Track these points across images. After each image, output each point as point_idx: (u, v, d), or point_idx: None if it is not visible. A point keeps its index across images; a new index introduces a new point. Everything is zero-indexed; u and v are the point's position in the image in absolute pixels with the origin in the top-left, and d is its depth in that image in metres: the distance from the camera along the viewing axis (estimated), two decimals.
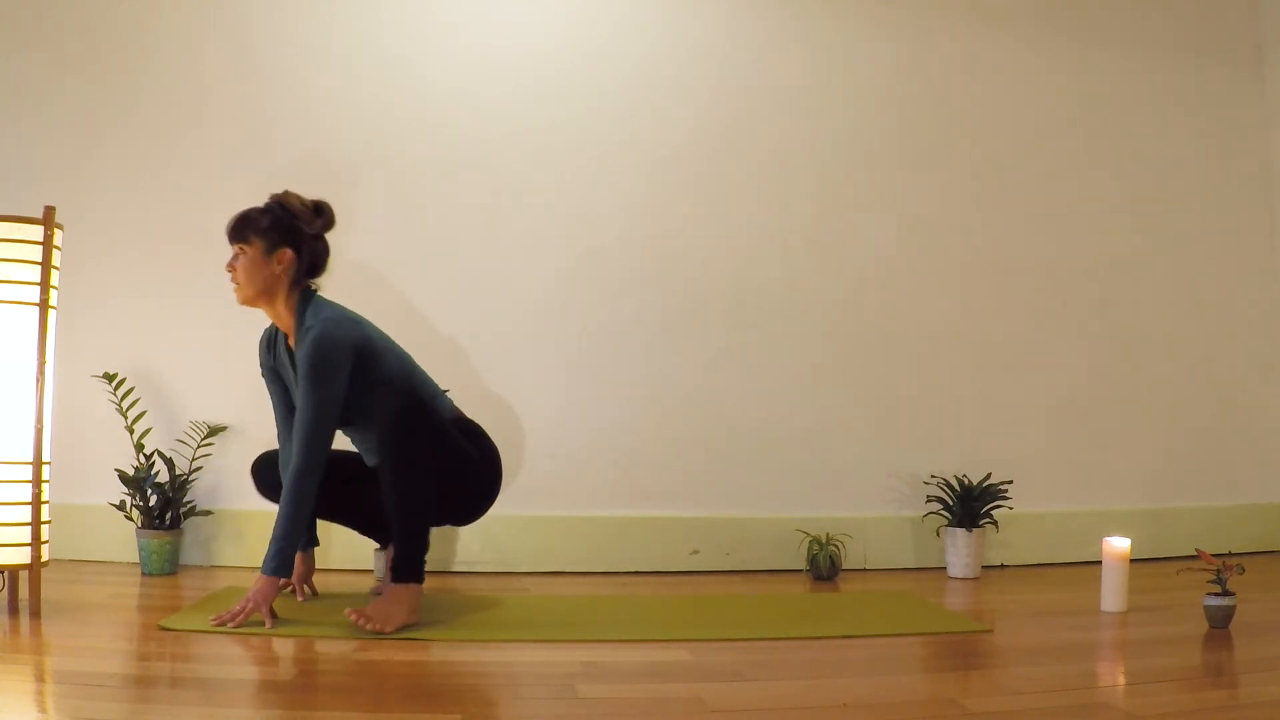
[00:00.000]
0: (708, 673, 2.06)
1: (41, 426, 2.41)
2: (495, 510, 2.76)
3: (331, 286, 2.66)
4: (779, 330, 3.54)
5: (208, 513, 3.19)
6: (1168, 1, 3.92)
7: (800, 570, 3.36)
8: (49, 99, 3.30)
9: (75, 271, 3.08)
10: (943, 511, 3.38)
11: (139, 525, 3.08)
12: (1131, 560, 2.72)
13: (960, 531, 3.31)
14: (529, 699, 1.91)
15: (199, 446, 3.20)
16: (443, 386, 2.75)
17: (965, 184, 3.70)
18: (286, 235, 2.52)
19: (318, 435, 2.42)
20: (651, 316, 3.48)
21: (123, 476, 3.07)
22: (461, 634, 2.35)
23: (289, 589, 2.72)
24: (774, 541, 3.41)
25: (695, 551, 3.40)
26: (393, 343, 2.66)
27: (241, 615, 2.34)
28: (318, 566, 2.86)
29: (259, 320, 2.71)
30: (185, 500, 3.13)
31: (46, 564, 2.46)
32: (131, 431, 3.10)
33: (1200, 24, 3.94)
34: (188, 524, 3.16)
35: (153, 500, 3.08)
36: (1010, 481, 3.41)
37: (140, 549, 3.06)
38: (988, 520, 3.35)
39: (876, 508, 3.54)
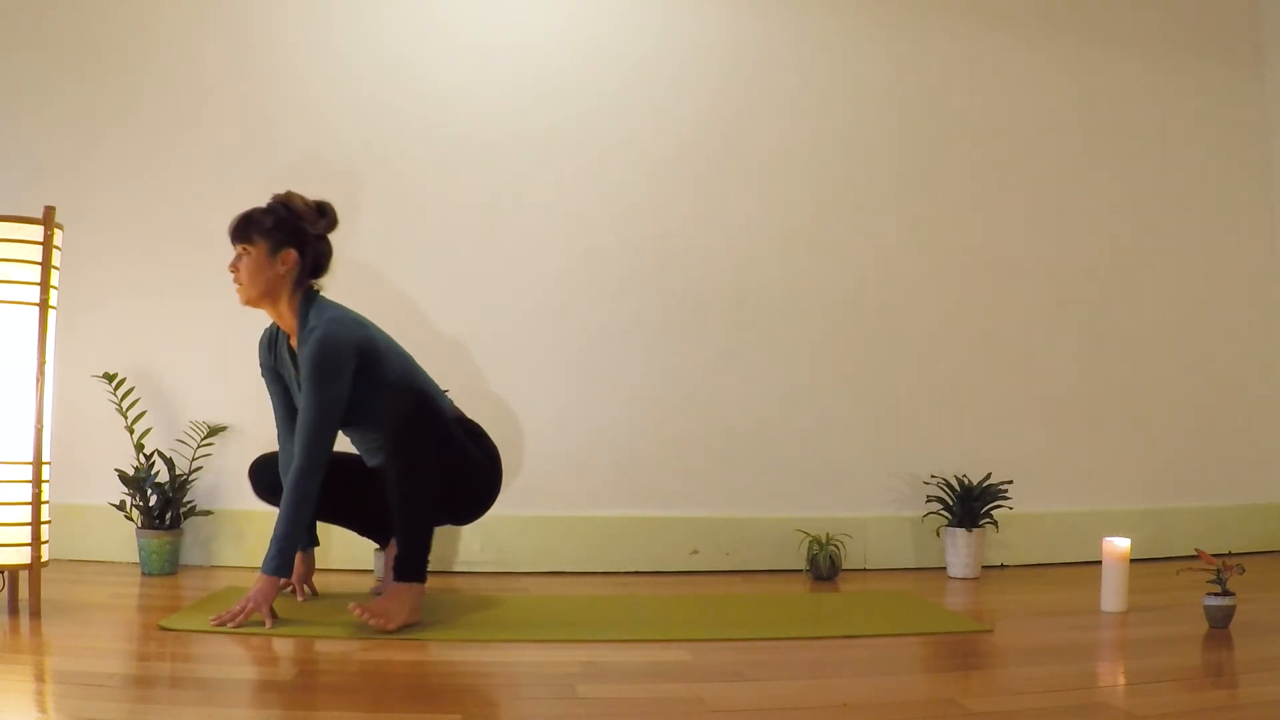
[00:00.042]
0: (708, 673, 2.06)
1: (41, 426, 2.41)
2: (495, 510, 2.76)
3: (332, 286, 2.66)
4: (779, 330, 3.54)
5: (208, 513, 3.19)
6: (1168, 1, 3.92)
7: (800, 570, 3.36)
8: (49, 99, 3.30)
9: (75, 271, 3.08)
10: (943, 511, 3.38)
11: (139, 525, 3.08)
12: (1131, 560, 2.72)
13: (960, 531, 3.31)
14: (529, 699, 1.91)
15: (199, 446, 3.20)
16: (443, 386, 2.75)
17: (965, 184, 3.71)
18: (291, 236, 2.52)
19: (320, 435, 2.42)
20: (651, 316, 3.48)
21: (123, 476, 3.07)
22: (461, 634, 2.35)
23: (289, 589, 2.72)
24: (774, 541, 3.41)
25: (695, 551, 3.40)
26: (394, 343, 2.66)
27: (242, 615, 2.34)
28: (318, 566, 2.86)
29: (259, 320, 2.71)
30: (185, 500, 3.13)
31: (46, 564, 2.46)
32: (131, 431, 3.10)
33: (1200, 24, 3.95)
34: (188, 524, 3.16)
35: (153, 500, 3.08)
36: (1010, 481, 3.41)
37: (140, 549, 3.06)
38: (988, 520, 3.35)
39: (876, 508, 3.54)
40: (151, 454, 3.12)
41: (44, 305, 2.41)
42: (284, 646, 2.22)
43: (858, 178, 3.63)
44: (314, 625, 2.40)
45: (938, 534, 3.46)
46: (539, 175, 3.45)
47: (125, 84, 3.33)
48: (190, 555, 3.21)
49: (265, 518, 2.72)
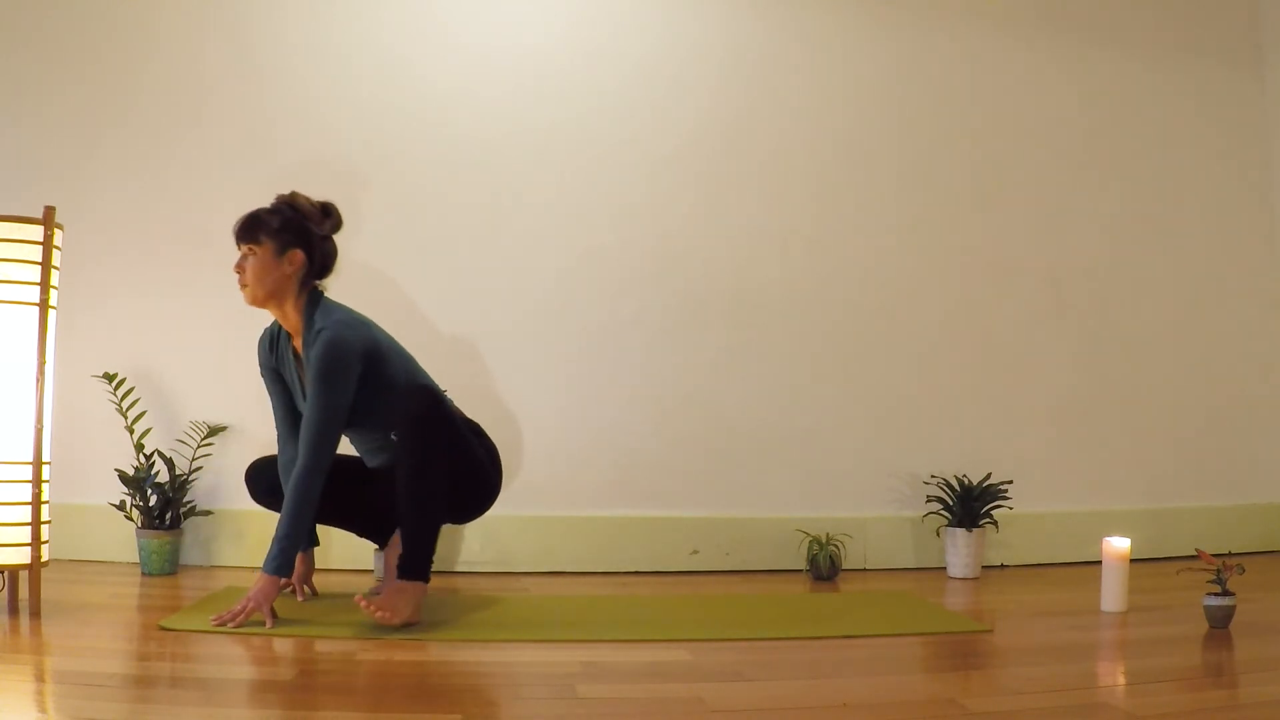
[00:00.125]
0: (708, 673, 2.06)
1: (41, 426, 2.41)
2: (495, 510, 2.76)
3: (332, 286, 2.66)
4: (779, 330, 3.54)
5: (208, 513, 3.19)
6: (1168, 1, 3.92)
7: (800, 570, 3.36)
8: (49, 99, 3.30)
9: (75, 271, 3.08)
10: (943, 511, 3.38)
11: (139, 525, 3.08)
12: (1131, 560, 2.72)
13: (960, 531, 3.31)
14: (529, 699, 1.91)
15: (199, 446, 3.20)
16: (442, 386, 2.75)
17: (965, 184, 3.71)
18: (297, 236, 2.53)
19: (325, 436, 2.43)
20: (651, 316, 3.48)
21: (123, 476, 3.07)
22: (461, 634, 2.35)
23: (289, 589, 2.72)
24: (774, 541, 3.41)
25: (695, 551, 3.40)
26: (396, 343, 2.66)
27: (242, 615, 2.34)
28: (318, 566, 2.86)
29: (259, 320, 2.71)
30: (185, 500, 3.13)
31: (46, 564, 2.46)
32: (131, 431, 3.10)
33: (1200, 24, 3.95)
34: (188, 524, 3.16)
35: (153, 500, 3.08)
36: (1010, 481, 3.41)
37: (140, 549, 3.06)
38: (988, 520, 3.35)
39: (876, 508, 3.54)
40: (151, 454, 3.11)
41: (44, 305, 2.41)
42: (284, 646, 2.21)
43: (858, 178, 3.63)
44: (314, 625, 2.40)
45: (938, 534, 3.46)
46: (539, 175, 3.45)
47: (125, 84, 3.33)
48: (190, 555, 3.21)
49: (265, 518, 2.72)
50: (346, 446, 2.77)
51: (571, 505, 3.38)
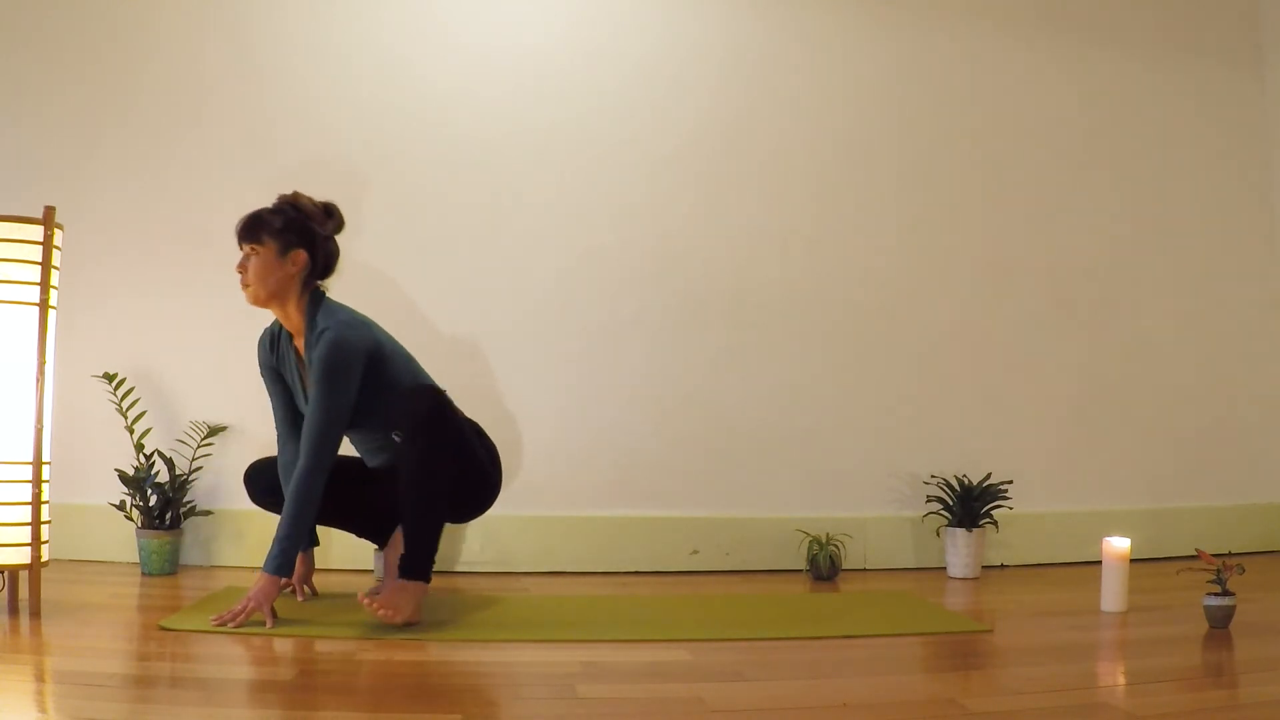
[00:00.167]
0: (708, 673, 2.06)
1: (41, 426, 2.41)
2: (495, 510, 2.77)
3: (332, 286, 2.66)
4: (779, 330, 3.54)
5: (208, 513, 3.19)
6: (1168, 1, 3.92)
7: (800, 570, 3.36)
8: (49, 99, 3.30)
9: (75, 271, 3.08)
10: (943, 511, 3.38)
11: (139, 525, 3.08)
12: (1131, 560, 2.72)
13: (960, 531, 3.31)
14: (529, 699, 1.91)
15: (199, 446, 3.20)
16: (442, 386, 2.75)
17: (965, 184, 3.70)
18: (300, 236, 2.53)
19: (328, 437, 2.43)
20: (651, 316, 3.48)
21: (123, 476, 3.07)
22: (461, 634, 2.35)
23: (289, 589, 2.72)
24: (774, 541, 3.41)
25: (695, 551, 3.40)
26: (398, 344, 2.67)
27: (243, 615, 2.34)
28: (318, 566, 2.86)
29: (259, 320, 2.71)
30: (185, 500, 3.13)
31: (46, 564, 2.46)
32: (131, 431, 3.10)
33: (1200, 24, 3.95)
34: (188, 524, 3.16)
35: (153, 500, 3.08)
36: (1010, 481, 3.41)
37: (140, 549, 3.06)
38: (988, 520, 3.35)
39: (876, 508, 3.54)
40: (151, 454, 3.11)
41: (44, 305, 2.41)
42: (284, 646, 2.22)
43: (858, 178, 3.63)
44: (314, 625, 2.40)
45: (938, 534, 3.46)
46: (539, 175, 3.45)
47: (125, 84, 3.33)
48: (190, 555, 3.21)
49: (265, 518, 2.72)
50: (346, 447, 2.78)
51: (571, 505, 3.38)
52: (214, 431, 3.22)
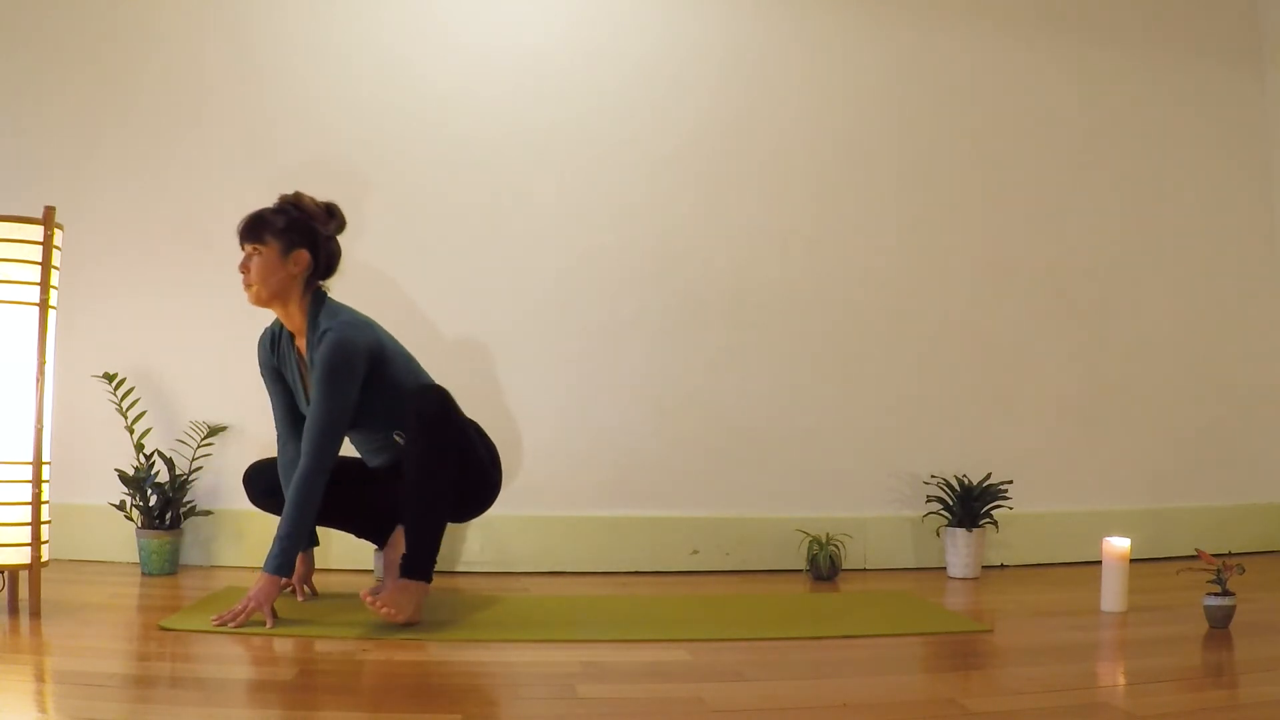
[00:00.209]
0: (708, 673, 2.06)
1: (41, 426, 2.41)
2: (495, 510, 2.77)
3: (332, 286, 2.66)
4: (779, 330, 3.54)
5: (208, 513, 3.19)
6: (1168, 1, 3.92)
7: (800, 570, 3.36)
8: (49, 99, 3.30)
9: (75, 271, 3.08)
10: (943, 511, 3.38)
11: (139, 525, 3.08)
12: (1131, 560, 2.72)
13: (960, 531, 3.31)
14: (529, 699, 1.91)
15: (199, 446, 3.20)
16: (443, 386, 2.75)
17: (965, 184, 3.70)
18: (303, 236, 2.53)
19: (330, 437, 2.43)
20: (651, 316, 3.48)
21: (123, 476, 3.07)
22: (461, 634, 2.35)
23: (289, 589, 2.72)
24: (774, 541, 3.41)
25: (695, 551, 3.40)
26: (399, 344, 2.67)
27: (243, 615, 2.34)
28: (318, 566, 2.86)
29: (259, 320, 2.71)
30: (185, 500, 3.13)
31: (46, 564, 2.46)
32: (131, 431, 3.10)
33: (1200, 24, 3.94)
34: (188, 524, 3.16)
35: (153, 500, 3.08)
36: (1010, 481, 3.41)
37: (140, 549, 3.06)
38: (988, 520, 3.35)
39: (876, 508, 3.54)
40: (151, 454, 3.12)
41: (44, 305, 2.41)
42: (284, 646, 2.22)
43: (858, 178, 3.63)
44: (314, 625, 2.40)
45: (938, 534, 3.46)
46: (539, 175, 3.45)
47: (125, 84, 3.33)
48: (190, 555, 3.22)
49: (265, 518, 2.72)
50: (346, 447, 2.78)
51: (571, 505, 3.38)
52: (214, 431, 3.22)
